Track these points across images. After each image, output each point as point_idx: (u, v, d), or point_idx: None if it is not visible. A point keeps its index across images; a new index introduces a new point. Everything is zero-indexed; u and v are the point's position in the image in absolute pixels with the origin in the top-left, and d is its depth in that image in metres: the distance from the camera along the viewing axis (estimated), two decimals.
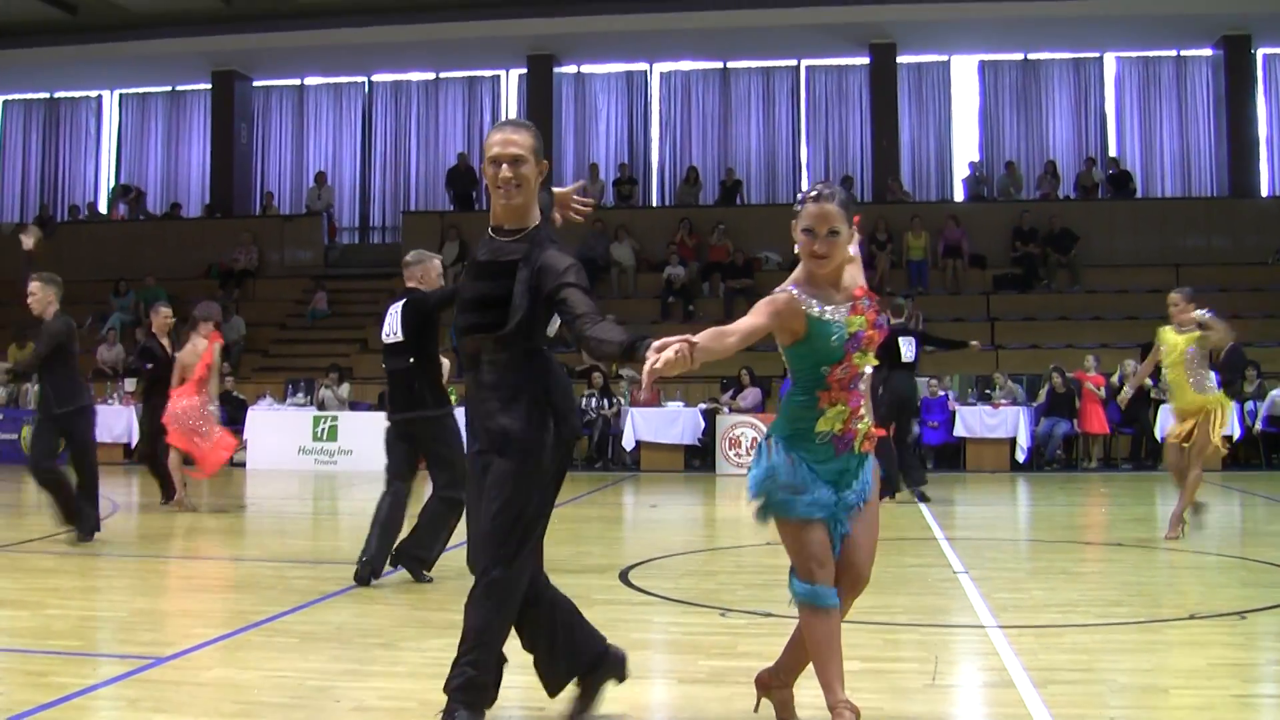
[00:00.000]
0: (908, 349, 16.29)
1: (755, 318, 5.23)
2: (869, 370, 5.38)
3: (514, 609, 5.43)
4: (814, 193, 5.31)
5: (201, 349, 15.15)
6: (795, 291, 5.28)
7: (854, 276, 5.42)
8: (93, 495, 11.96)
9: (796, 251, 5.34)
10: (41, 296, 11.79)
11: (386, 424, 10.10)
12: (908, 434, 17.25)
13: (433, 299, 9.98)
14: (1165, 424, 22.19)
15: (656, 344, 4.82)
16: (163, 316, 15.72)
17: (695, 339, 4.85)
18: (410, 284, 10.25)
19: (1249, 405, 22.47)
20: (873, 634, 7.76)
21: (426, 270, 10.28)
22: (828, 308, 5.28)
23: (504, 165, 5.41)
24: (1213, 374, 12.50)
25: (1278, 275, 28.09)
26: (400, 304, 10.16)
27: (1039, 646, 7.30)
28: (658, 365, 4.73)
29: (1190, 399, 12.29)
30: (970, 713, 6.18)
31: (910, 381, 16.64)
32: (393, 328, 10.07)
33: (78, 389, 11.89)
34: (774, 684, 5.63)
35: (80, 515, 11.74)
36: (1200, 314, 12.52)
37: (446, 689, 5.27)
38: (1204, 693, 6.19)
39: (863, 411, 5.34)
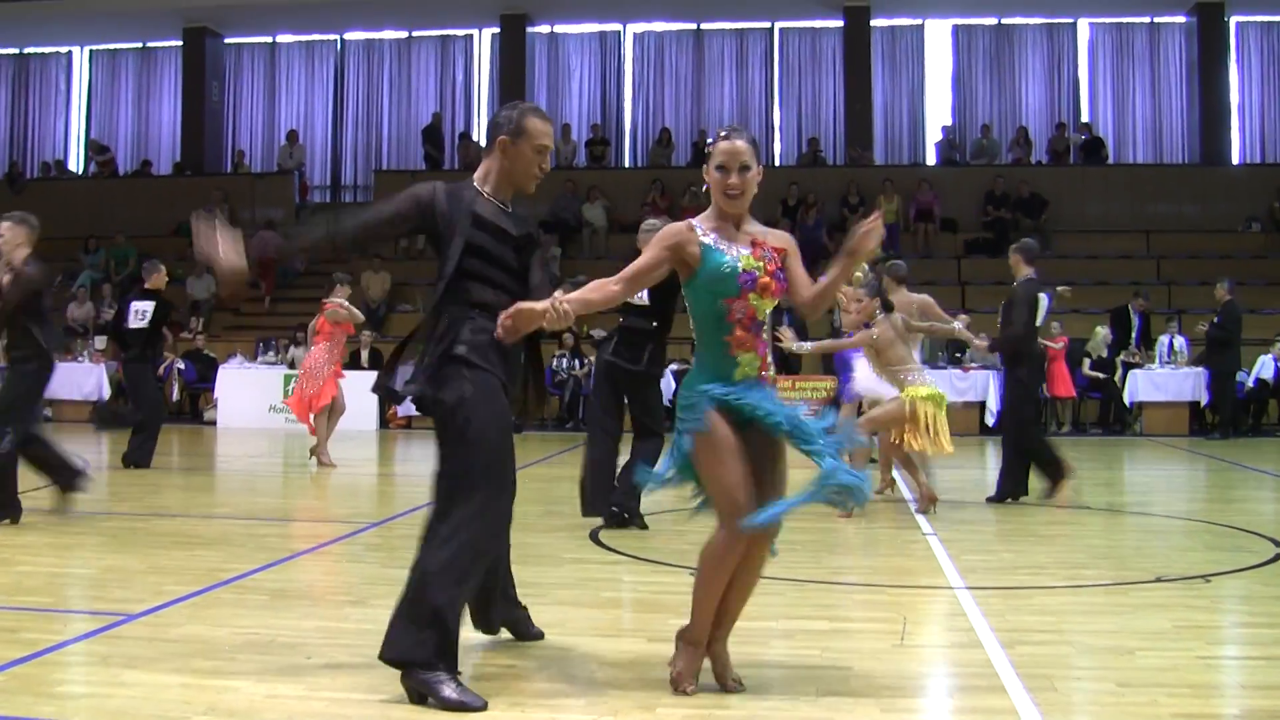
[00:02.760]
0: None
1: (647, 254, 5.62)
2: (768, 323, 5.76)
3: None
4: (723, 132, 5.65)
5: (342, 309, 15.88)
6: (693, 222, 5.62)
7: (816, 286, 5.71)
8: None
9: (705, 190, 5.69)
10: (10, 238, 10.62)
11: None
12: None
13: None
14: (1134, 390, 22.44)
15: (510, 309, 5.31)
16: (162, 274, 15.74)
17: (566, 296, 5.32)
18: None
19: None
20: (842, 594, 7.82)
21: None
22: (724, 242, 5.56)
23: (547, 154, 5.89)
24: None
25: (1247, 243, 28.23)
26: None
27: (1007, 608, 7.36)
28: (507, 324, 5.27)
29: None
30: (938, 673, 6.22)
31: None
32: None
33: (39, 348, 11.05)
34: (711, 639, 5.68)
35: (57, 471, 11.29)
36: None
37: None
38: (1168, 654, 6.26)
39: (769, 360, 5.67)
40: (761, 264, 5.52)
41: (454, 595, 5.43)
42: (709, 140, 5.72)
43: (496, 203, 5.84)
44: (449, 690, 5.33)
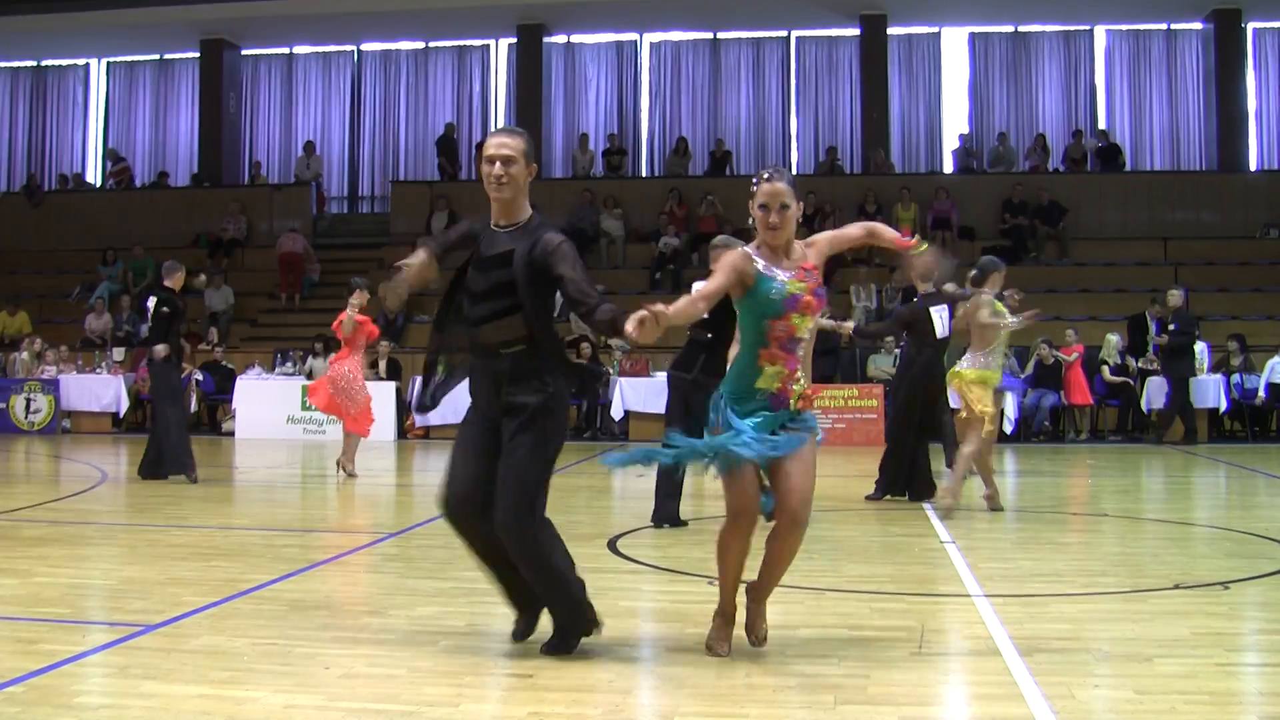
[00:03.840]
0: (940, 322, 13.19)
1: (715, 277, 6.31)
2: (806, 336, 6.30)
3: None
4: (766, 174, 6.34)
5: (356, 316, 15.82)
6: (748, 250, 6.35)
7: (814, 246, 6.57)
8: None
9: (751, 224, 6.39)
10: None
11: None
12: (938, 425, 14.06)
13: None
14: (1151, 397, 22.38)
15: (633, 316, 5.70)
16: (182, 274, 15.76)
17: (663, 307, 5.76)
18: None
19: (1235, 378, 22.55)
20: (860, 602, 7.80)
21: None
22: (775, 269, 6.29)
23: (496, 164, 6.26)
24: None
25: (1265, 249, 28.16)
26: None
27: (1025, 616, 7.34)
28: (634, 336, 5.68)
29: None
30: (956, 681, 6.22)
31: (939, 362, 13.26)
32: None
33: None
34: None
35: None
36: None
37: None
38: (1187, 661, 6.24)
39: (799, 375, 6.31)
40: (804, 285, 6.27)
41: None
42: (754, 181, 6.35)
43: (495, 230, 6.42)
44: None
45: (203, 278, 27.38)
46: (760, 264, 6.26)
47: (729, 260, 6.28)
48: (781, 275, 6.25)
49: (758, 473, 6.28)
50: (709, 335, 10.82)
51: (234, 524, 12.09)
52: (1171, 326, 20.96)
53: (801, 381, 6.31)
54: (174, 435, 15.11)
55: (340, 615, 7.39)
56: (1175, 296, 20.47)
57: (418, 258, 6.52)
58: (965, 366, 12.02)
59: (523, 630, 6.63)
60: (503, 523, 6.17)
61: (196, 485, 14.68)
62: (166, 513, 12.49)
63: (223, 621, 7.15)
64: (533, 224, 6.34)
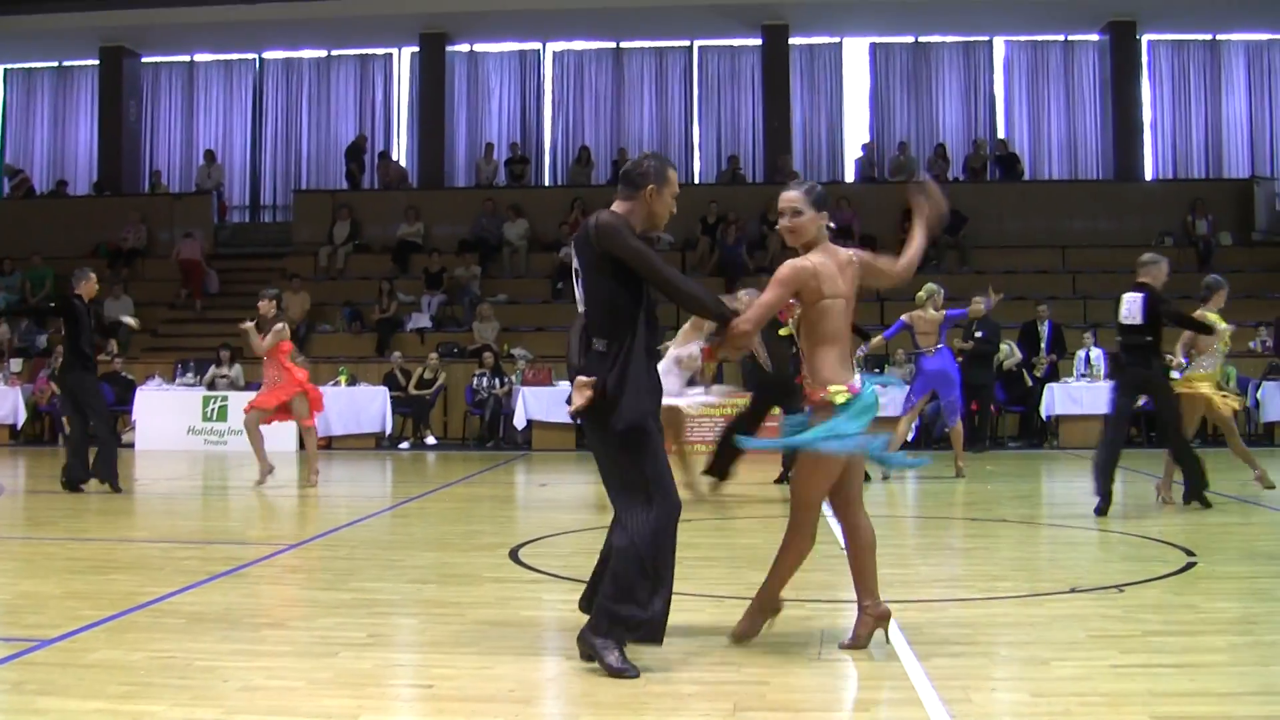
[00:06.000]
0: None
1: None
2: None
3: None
4: (788, 184, 6.92)
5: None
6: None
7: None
8: None
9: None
10: None
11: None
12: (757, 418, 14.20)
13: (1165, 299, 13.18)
14: (1050, 404, 22.62)
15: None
16: (93, 282, 15.60)
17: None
18: (1143, 279, 13.11)
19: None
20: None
21: (1159, 271, 13.18)
22: None
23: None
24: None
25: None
26: (1138, 295, 13.05)
27: (924, 621, 7.43)
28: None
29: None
30: (854, 686, 6.27)
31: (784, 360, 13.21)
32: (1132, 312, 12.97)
33: None
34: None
35: None
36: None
37: None
38: (1083, 663, 6.35)
39: (806, 375, 6.79)
40: None
41: None
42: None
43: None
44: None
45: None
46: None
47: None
48: None
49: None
50: (1147, 339, 12.76)
51: (133, 536, 11.96)
52: (978, 334, 20.91)
53: (808, 381, 6.75)
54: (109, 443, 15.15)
55: (240, 627, 7.34)
56: (979, 304, 20.49)
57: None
58: (1203, 370, 13.84)
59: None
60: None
61: (96, 497, 14.54)
62: (65, 525, 12.36)
63: (121, 635, 7.09)
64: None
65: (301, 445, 17.72)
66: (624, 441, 6.19)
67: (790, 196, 6.78)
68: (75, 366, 15.21)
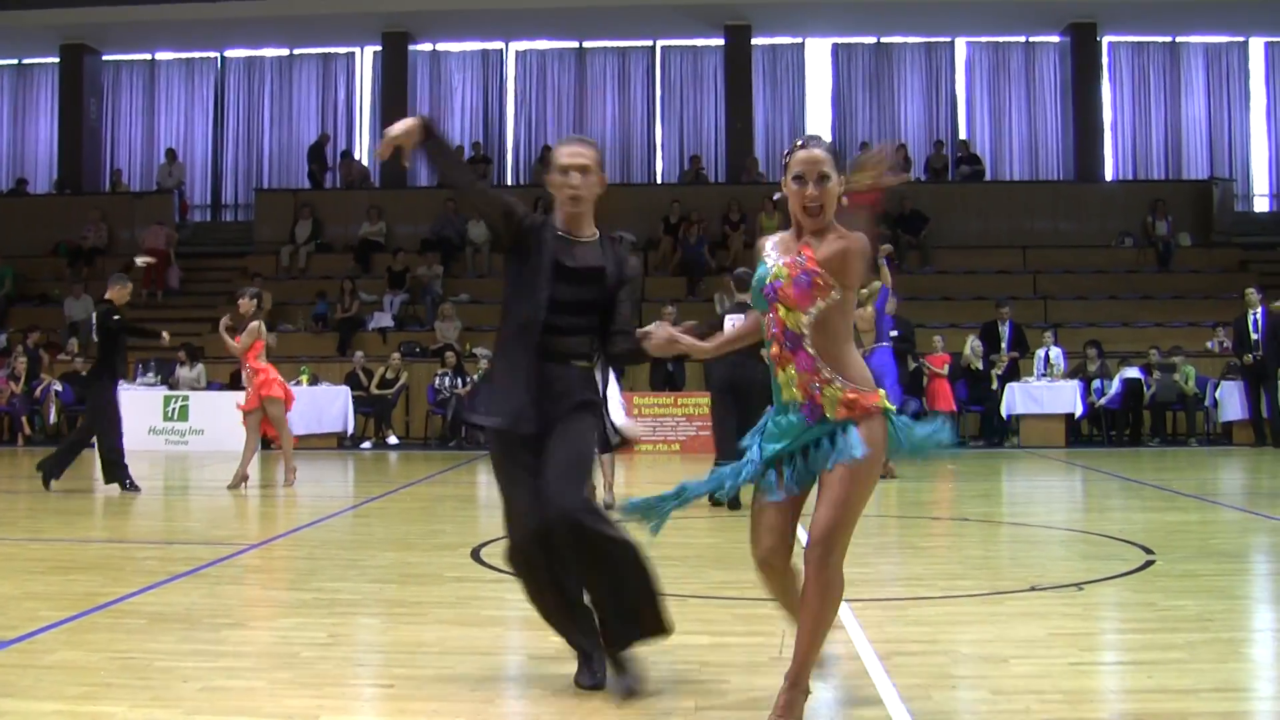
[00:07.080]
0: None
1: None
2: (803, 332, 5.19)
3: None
4: (800, 141, 5.33)
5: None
6: (775, 237, 5.49)
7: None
8: None
9: (790, 208, 5.37)
10: None
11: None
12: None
13: None
14: (1011, 404, 22.74)
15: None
16: (127, 289, 15.67)
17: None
18: None
19: (1095, 384, 23.07)
20: (721, 608, 7.86)
21: None
22: (776, 252, 5.36)
23: (572, 173, 5.99)
24: None
25: (1120, 258, 28.77)
26: None
27: (884, 619, 7.44)
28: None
29: None
30: (816, 685, 6.28)
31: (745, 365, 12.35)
32: None
33: None
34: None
35: None
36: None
37: None
38: (1042, 661, 6.36)
39: (827, 375, 5.13)
40: (786, 271, 5.22)
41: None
42: (785, 151, 5.39)
43: (571, 239, 6.09)
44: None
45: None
46: (769, 248, 5.40)
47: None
48: (774, 261, 5.32)
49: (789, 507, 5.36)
50: None
51: (93, 536, 11.90)
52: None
53: (835, 384, 5.13)
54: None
55: (200, 628, 7.30)
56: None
57: (407, 122, 5.78)
58: None
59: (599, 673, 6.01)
60: (572, 507, 5.72)
61: (56, 497, 14.49)
62: (24, 526, 12.29)
63: (80, 636, 7.04)
64: (603, 238, 6.18)
65: (266, 445, 17.59)
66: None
67: (818, 156, 5.26)
68: (103, 377, 15.38)
